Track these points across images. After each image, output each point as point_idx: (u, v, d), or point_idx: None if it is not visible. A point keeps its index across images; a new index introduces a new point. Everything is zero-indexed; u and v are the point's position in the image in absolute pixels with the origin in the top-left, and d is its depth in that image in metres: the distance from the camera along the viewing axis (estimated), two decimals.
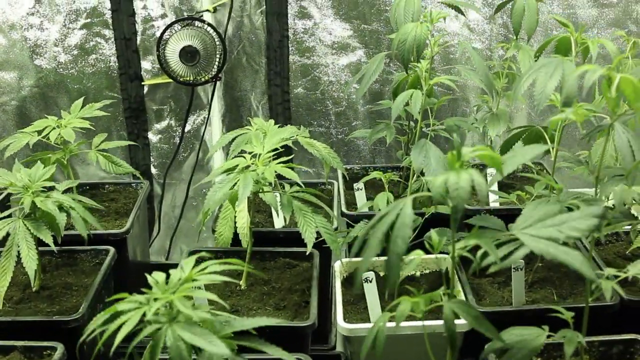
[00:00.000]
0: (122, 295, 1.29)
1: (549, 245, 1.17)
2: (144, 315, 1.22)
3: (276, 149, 1.85)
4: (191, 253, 1.81)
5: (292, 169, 1.80)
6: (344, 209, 2.21)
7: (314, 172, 2.81)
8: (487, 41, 2.70)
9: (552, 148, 1.79)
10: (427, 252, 1.49)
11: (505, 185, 2.40)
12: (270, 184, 1.80)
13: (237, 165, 1.79)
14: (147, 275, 1.33)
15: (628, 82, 1.28)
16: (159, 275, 1.32)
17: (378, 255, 1.17)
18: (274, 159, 1.82)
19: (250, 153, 1.84)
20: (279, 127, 2.02)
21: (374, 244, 1.17)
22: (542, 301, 1.83)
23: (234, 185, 1.73)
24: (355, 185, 2.25)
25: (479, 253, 1.31)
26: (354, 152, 2.83)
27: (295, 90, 2.77)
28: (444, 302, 1.28)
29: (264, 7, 2.69)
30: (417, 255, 1.42)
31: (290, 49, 2.72)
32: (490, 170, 2.24)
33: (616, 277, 1.40)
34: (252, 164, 1.80)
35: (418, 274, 2.03)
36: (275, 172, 1.76)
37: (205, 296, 1.26)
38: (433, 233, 1.55)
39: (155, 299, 1.25)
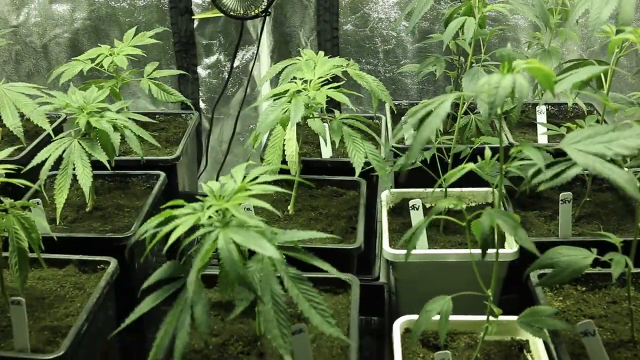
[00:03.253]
0: (176, 202, 1.33)
1: (596, 161, 1.16)
2: (198, 222, 1.26)
3: (326, 81, 1.86)
4: None
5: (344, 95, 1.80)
6: (394, 142, 2.21)
7: (361, 110, 2.82)
8: None
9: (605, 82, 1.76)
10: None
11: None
12: (321, 109, 1.81)
13: (287, 91, 1.81)
14: (201, 184, 1.36)
15: None
16: (214, 184, 1.35)
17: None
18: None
19: (301, 79, 1.86)
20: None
21: (410, 124, 1.20)
22: (589, 235, 1.83)
23: (285, 111, 1.75)
24: (403, 118, 2.25)
25: (530, 172, 1.31)
26: (402, 90, 2.83)
27: (344, 27, 2.76)
28: (484, 211, 1.28)
29: None
30: (468, 167, 1.42)
31: None
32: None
33: None
34: (304, 89, 1.82)
35: (464, 207, 2.02)
36: (327, 97, 1.76)
37: (258, 204, 1.28)
38: (487, 149, 1.55)
39: (210, 206, 1.28)
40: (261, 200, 1.28)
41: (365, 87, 2.05)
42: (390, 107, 2.34)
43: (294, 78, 1.90)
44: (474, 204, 2.03)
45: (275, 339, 1.19)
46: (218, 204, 1.27)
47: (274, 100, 1.82)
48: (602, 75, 1.77)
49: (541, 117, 2.26)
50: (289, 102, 1.75)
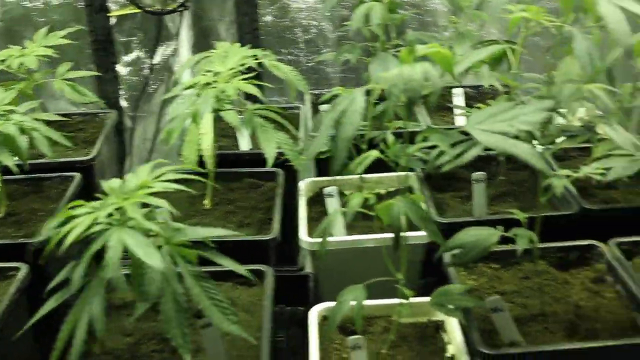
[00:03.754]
0: (78, 202, 1.30)
1: (499, 139, 1.18)
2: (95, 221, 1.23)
3: (244, 72, 1.84)
4: None
5: (258, 87, 1.79)
6: (311, 132, 2.21)
7: (285, 100, 2.81)
8: None
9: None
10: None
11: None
12: (231, 102, 1.80)
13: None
14: (102, 182, 1.34)
15: None
16: (115, 182, 1.33)
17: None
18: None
19: (212, 71, 1.84)
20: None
21: (325, 127, 1.19)
22: (503, 213, 1.85)
23: (194, 104, 1.73)
24: (321, 108, 2.25)
25: (433, 153, 1.32)
26: (324, 79, 2.83)
27: (264, 18, 2.75)
28: (394, 200, 1.29)
29: None
30: (373, 155, 1.43)
31: None
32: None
33: (568, 176, 1.41)
34: (214, 81, 1.80)
35: (384, 191, 2.04)
36: (239, 89, 1.75)
37: (155, 203, 1.26)
38: (389, 135, 1.55)
39: (108, 205, 1.26)
40: (159, 199, 1.26)
41: (282, 76, 2.05)
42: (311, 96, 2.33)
43: (209, 71, 1.88)
44: (392, 189, 2.04)
45: (175, 338, 1.18)
46: (116, 202, 1.25)
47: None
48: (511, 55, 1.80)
49: (457, 100, 2.28)
50: (198, 95, 1.73)
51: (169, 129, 1.81)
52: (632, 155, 1.53)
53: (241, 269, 1.32)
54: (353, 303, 1.38)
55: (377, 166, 1.69)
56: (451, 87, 2.45)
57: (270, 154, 1.74)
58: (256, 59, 1.98)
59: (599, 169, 1.47)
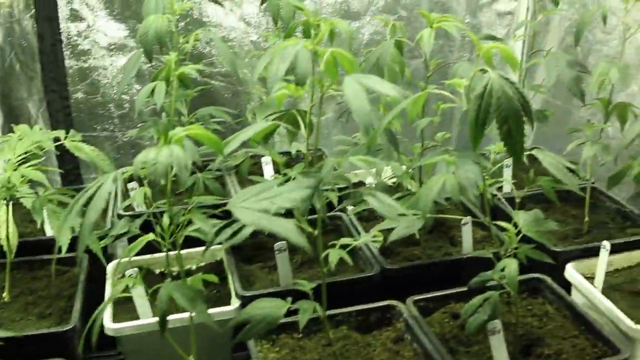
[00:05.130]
0: None
1: (261, 217, 1.19)
2: None
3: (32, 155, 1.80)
4: None
5: (45, 171, 1.75)
6: (120, 211, 2.17)
7: None
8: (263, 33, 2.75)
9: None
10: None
11: None
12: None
13: None
14: None
15: (340, 54, 1.34)
16: None
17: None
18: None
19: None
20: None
21: (72, 215, 1.17)
22: (310, 280, 1.88)
23: None
24: (129, 185, 2.21)
25: (212, 231, 1.32)
26: None
27: (75, 95, 2.69)
28: (163, 285, 1.28)
29: (33, 11, 2.60)
30: (149, 237, 1.41)
31: (65, 53, 2.64)
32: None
33: (346, 246, 1.45)
34: (4, 170, 1.74)
35: (194, 267, 2.02)
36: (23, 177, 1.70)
37: None
38: (165, 217, 1.54)
39: None
40: None
41: (85, 158, 2.01)
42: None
43: None
44: (203, 263, 2.03)
45: None
46: None
47: None
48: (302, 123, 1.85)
49: (267, 168, 2.31)
50: None
51: None
52: (414, 215, 1.60)
53: None
54: None
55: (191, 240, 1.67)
56: (262, 155, 2.48)
57: (62, 241, 1.69)
58: (58, 141, 1.94)
59: (379, 236, 1.52)
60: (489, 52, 1.42)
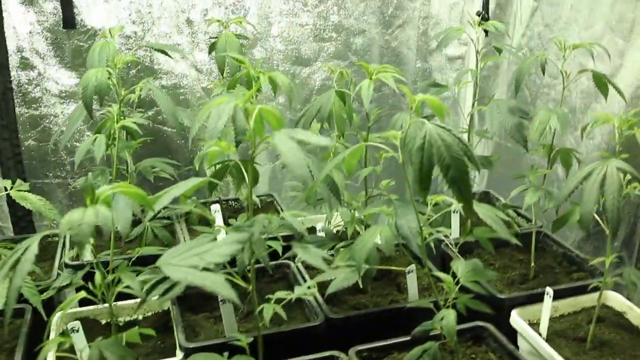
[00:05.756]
0: None
1: (188, 273, 1.19)
2: None
3: None
4: None
5: None
6: (67, 259, 2.15)
7: None
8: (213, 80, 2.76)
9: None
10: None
11: None
12: None
13: None
14: None
15: (266, 111, 1.35)
16: None
17: None
18: None
19: None
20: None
21: (2, 274, 1.16)
22: (255, 330, 1.87)
23: None
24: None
25: (145, 288, 1.31)
26: None
27: (26, 142, 2.67)
28: (93, 344, 1.27)
29: None
30: (79, 295, 1.40)
31: (16, 100, 2.63)
32: None
33: (280, 300, 1.45)
34: None
35: (140, 317, 2.01)
36: None
37: None
38: (97, 274, 1.53)
39: None
40: None
41: (31, 207, 2.01)
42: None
43: None
44: (149, 313, 2.01)
45: None
46: None
47: None
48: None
49: (217, 216, 2.31)
50: None
51: None
52: (352, 266, 1.60)
53: None
54: None
55: None
56: (212, 202, 2.49)
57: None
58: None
59: (312, 288, 1.52)
60: (419, 105, 1.44)
